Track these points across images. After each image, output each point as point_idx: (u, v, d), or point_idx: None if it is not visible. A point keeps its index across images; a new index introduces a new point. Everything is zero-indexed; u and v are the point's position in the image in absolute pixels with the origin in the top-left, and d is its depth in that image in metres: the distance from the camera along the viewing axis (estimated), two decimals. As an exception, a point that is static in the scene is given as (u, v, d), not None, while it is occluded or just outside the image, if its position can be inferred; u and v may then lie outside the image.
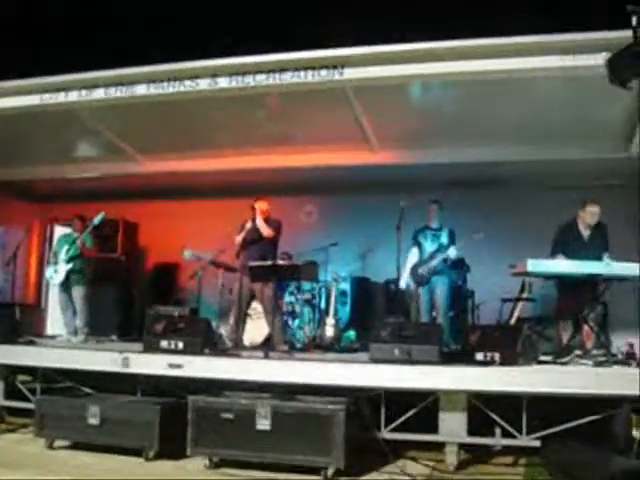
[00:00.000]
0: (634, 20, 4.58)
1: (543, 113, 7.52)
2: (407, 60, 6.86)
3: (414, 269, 8.37)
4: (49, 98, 7.93)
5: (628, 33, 4.72)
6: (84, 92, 7.79)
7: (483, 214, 9.26)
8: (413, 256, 8.46)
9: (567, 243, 7.15)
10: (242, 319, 8.18)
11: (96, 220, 8.82)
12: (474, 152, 8.49)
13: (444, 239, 8.34)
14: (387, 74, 6.98)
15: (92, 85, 7.73)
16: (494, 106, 7.59)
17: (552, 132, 7.88)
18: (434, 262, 8.23)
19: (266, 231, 7.96)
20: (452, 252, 8.18)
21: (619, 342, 7.54)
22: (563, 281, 7.16)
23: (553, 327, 7.73)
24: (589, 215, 7.21)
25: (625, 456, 5.49)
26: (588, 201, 7.26)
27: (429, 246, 8.38)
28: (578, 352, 6.71)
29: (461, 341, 7.27)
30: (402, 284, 8.41)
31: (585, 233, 7.27)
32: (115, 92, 7.67)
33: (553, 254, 7.04)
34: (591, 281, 6.68)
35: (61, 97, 7.89)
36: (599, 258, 6.68)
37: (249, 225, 8.04)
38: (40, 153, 9.72)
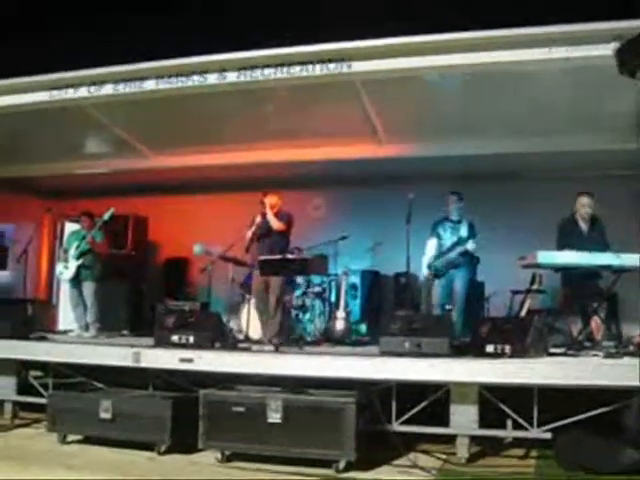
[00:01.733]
0: (643, 10, 4.56)
1: (552, 104, 7.49)
2: (415, 53, 6.84)
3: (432, 261, 8.33)
4: (58, 94, 7.96)
5: (637, 23, 4.71)
6: (93, 88, 7.81)
7: (493, 206, 9.28)
8: (431, 247, 8.37)
9: (568, 238, 7.17)
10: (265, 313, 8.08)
11: (106, 216, 8.87)
12: (483, 144, 8.47)
13: (463, 232, 8.28)
14: (395, 67, 6.97)
15: (101, 81, 7.75)
16: (503, 98, 7.56)
17: (561, 124, 7.84)
18: (452, 255, 8.21)
19: (276, 224, 7.95)
20: (470, 245, 8.10)
21: (630, 333, 7.51)
22: (567, 273, 7.17)
23: (564, 319, 7.74)
24: (580, 206, 7.32)
25: (637, 448, 5.49)
26: (579, 193, 7.38)
27: (448, 238, 8.33)
28: (588, 344, 6.70)
29: (469, 333, 7.27)
30: (424, 272, 8.33)
31: (584, 227, 7.34)
32: (124, 88, 7.69)
33: (558, 250, 7.06)
34: (596, 273, 6.68)
35: (70, 93, 7.91)
36: (596, 252, 6.68)
37: (258, 219, 8.03)
38: (50, 149, 9.75)
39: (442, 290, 8.27)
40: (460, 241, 8.21)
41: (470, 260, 8.34)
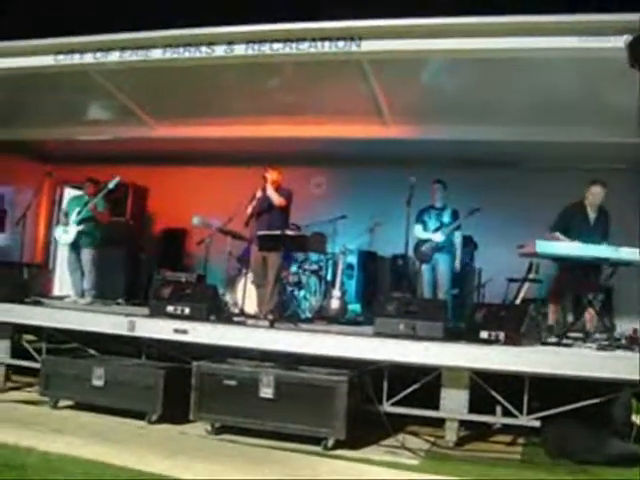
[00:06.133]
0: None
1: (558, 94, 7.44)
2: (424, 35, 6.79)
3: (417, 246, 8.46)
4: (63, 59, 7.88)
5: (651, 16, 4.68)
6: (99, 54, 7.72)
7: (494, 192, 9.31)
8: (417, 233, 8.53)
9: (572, 222, 7.24)
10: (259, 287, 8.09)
11: (111, 184, 8.88)
12: (488, 130, 8.41)
13: (447, 218, 8.48)
14: (404, 48, 6.91)
15: (107, 48, 7.67)
16: (509, 85, 7.52)
17: (566, 114, 7.78)
18: (436, 239, 8.32)
19: (277, 200, 7.92)
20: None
21: (623, 327, 7.54)
22: (565, 263, 7.19)
23: (550, 305, 7.77)
24: (591, 195, 7.40)
25: (623, 440, 5.55)
26: (592, 181, 7.43)
27: (432, 225, 8.49)
28: (581, 335, 6.74)
29: (463, 319, 7.30)
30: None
31: (591, 215, 7.38)
32: (130, 56, 7.63)
33: (553, 230, 7.12)
34: (596, 265, 6.69)
35: (76, 59, 7.84)
36: (600, 243, 6.72)
37: (259, 194, 8.01)
38: (53, 114, 9.68)
39: (428, 274, 8.45)
40: (443, 226, 8.37)
41: (453, 245, 8.53)
